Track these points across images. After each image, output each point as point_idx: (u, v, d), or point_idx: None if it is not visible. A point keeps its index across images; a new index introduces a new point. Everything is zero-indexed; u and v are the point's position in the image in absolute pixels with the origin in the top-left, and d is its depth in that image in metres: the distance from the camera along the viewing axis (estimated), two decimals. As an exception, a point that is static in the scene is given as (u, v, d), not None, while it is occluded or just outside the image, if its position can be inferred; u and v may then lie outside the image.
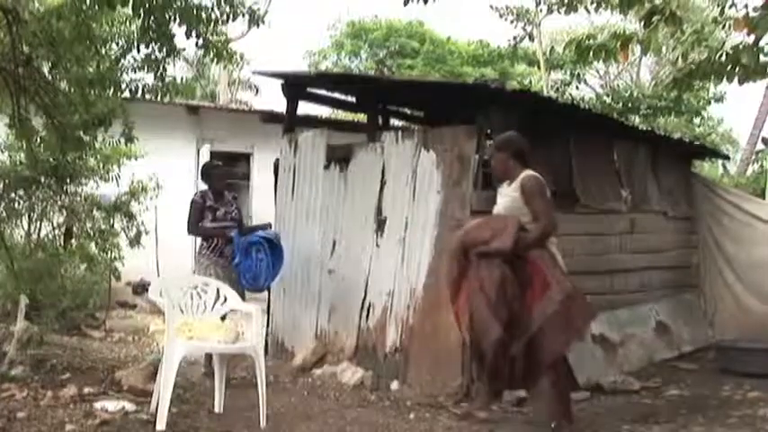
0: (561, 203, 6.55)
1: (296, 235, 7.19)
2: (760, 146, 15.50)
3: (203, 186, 6.70)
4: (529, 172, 4.88)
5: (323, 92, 7.88)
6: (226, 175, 6.89)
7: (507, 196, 4.93)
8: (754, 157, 17.14)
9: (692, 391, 5.95)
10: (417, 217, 6.23)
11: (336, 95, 7.91)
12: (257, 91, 24.72)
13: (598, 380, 6.08)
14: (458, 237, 5.04)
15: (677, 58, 21.94)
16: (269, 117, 11.22)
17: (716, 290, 8.00)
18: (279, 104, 11.77)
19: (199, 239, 6.82)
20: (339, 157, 6.93)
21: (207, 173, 6.66)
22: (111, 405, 4.87)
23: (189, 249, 11.04)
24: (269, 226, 6.93)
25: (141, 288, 10.25)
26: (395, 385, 6.04)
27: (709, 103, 17.55)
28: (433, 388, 5.79)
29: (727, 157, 10.65)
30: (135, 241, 8.43)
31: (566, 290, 4.76)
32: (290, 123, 7.60)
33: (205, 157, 11.26)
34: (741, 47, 10.86)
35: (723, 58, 10.93)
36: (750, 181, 14.00)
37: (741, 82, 11.22)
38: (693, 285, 8.26)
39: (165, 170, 9.12)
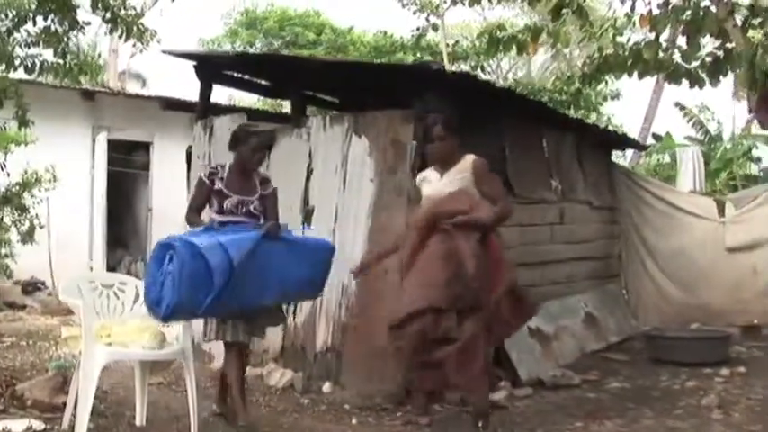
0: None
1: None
2: (651, 140, 16.03)
3: (221, 160, 5.12)
4: (473, 155, 4.68)
5: (238, 75, 7.37)
6: (261, 147, 4.88)
7: (456, 180, 4.59)
8: (644, 152, 17.78)
9: (633, 383, 5.84)
10: (349, 207, 5.86)
11: (255, 80, 7.42)
12: (144, 83, 23.64)
13: (538, 375, 5.89)
14: (428, 207, 4.64)
15: (578, 53, 22.45)
16: (170, 104, 10.60)
17: (638, 279, 8.01)
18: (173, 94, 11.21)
19: None
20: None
21: (237, 138, 4.79)
22: (17, 425, 4.25)
23: (85, 246, 10.31)
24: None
25: (32, 287, 9.43)
26: (327, 387, 5.63)
27: (606, 99, 17.93)
28: (370, 389, 5.43)
29: (645, 148, 10.77)
30: (28, 237, 7.66)
31: (513, 280, 4.54)
32: (204, 108, 7.05)
33: (101, 146, 10.48)
34: (643, 43, 11.20)
35: (627, 53, 11.28)
36: (647, 173, 14.38)
37: (641, 76, 11.44)
38: (616, 275, 8.26)
39: (57, 159, 8.31)
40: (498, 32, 11.82)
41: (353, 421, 4.89)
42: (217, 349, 6.31)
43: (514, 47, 11.55)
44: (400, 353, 4.51)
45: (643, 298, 7.95)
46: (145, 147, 11.49)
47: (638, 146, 9.86)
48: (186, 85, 8.98)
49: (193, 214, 4.68)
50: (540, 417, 4.95)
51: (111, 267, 10.65)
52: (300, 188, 6.12)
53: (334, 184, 5.96)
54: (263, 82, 7.57)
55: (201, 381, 5.84)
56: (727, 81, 13.34)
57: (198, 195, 4.75)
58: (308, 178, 6.13)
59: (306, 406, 5.27)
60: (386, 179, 5.67)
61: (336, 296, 5.79)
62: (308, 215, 6.06)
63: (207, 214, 4.75)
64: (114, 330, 4.24)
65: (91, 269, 9.97)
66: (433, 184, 4.69)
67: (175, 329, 4.45)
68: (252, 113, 7.71)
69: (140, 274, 10.15)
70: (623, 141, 8.94)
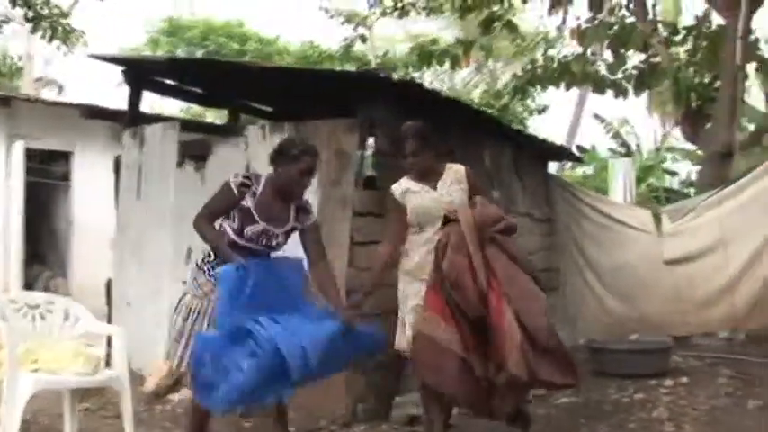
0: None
1: (143, 242, 6.31)
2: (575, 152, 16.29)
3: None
4: (459, 165, 4.52)
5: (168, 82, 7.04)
6: (312, 169, 4.08)
7: (453, 191, 4.36)
8: (570, 164, 18.08)
9: (582, 397, 5.74)
10: (290, 220, 5.61)
11: (187, 87, 7.09)
12: (61, 90, 22.75)
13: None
14: (469, 215, 4.14)
15: (500, 66, 22.69)
16: (92, 112, 10.13)
17: (578, 292, 7.98)
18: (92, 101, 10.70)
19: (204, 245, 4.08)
20: (194, 154, 6.15)
21: (285, 153, 3.99)
22: (-69, 459, 3.86)
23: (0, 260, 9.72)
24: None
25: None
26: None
27: (532, 113, 18.16)
28: (318, 410, 5.19)
29: (580, 160, 10.84)
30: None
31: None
32: (134, 115, 6.69)
33: (17, 155, 9.89)
34: (572, 56, 11.36)
35: (556, 66, 11.43)
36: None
37: (568, 87, 11.73)
38: (555, 288, 8.22)
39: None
40: (431, 46, 11.89)
41: (300, 445, 4.64)
42: (149, 369, 5.98)
43: (447, 60, 11.72)
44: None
45: (582, 310, 7.93)
46: (64, 156, 10.92)
47: (574, 157, 9.92)
48: (106, 93, 8.59)
49: (206, 222, 3.91)
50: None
51: (28, 284, 10.05)
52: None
53: (274, 196, 5.70)
54: (196, 89, 7.25)
55: (134, 405, 5.52)
56: (644, 96, 13.81)
57: (219, 203, 3.96)
58: (246, 190, 5.85)
59: (250, 430, 4.99)
60: (329, 191, 5.45)
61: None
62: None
63: (222, 226, 3.99)
64: (42, 355, 3.89)
65: (7, 287, 9.38)
66: (424, 194, 4.38)
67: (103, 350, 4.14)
68: (185, 124, 7.37)
69: (59, 291, 9.64)
70: (560, 153, 8.94)
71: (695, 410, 5.37)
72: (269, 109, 7.94)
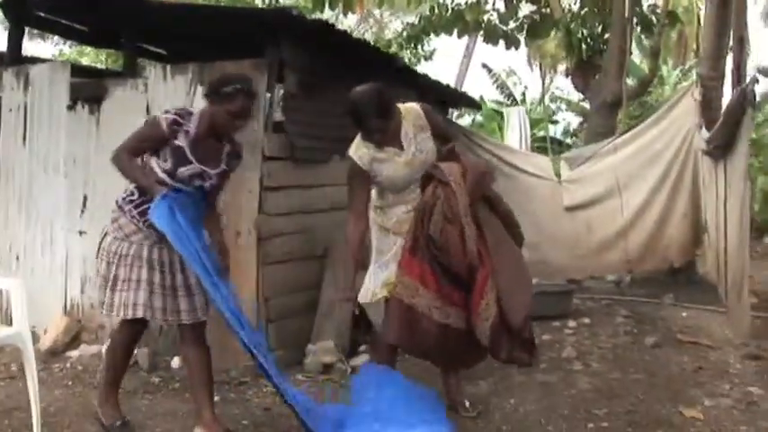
0: (345, 152, 6.07)
1: (32, 190, 5.88)
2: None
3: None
4: (412, 104, 4.12)
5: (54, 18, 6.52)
6: (248, 111, 3.79)
7: (422, 142, 3.98)
8: (458, 112, 18.29)
9: (491, 340, 5.85)
10: (195, 166, 5.36)
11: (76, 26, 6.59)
12: None
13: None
14: (458, 175, 3.77)
15: (387, 16, 22.49)
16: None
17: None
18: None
19: (126, 183, 3.77)
20: (88, 96, 5.73)
21: (217, 92, 3.69)
22: None
23: None
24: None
25: None
26: (176, 363, 5.14)
27: (420, 61, 18.15)
28: (224, 362, 5.02)
29: (478, 106, 10.89)
30: None
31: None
32: (16, 53, 6.17)
33: None
34: (465, 4, 11.38)
35: (449, 14, 11.42)
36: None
37: (460, 35, 11.77)
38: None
39: None
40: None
41: (215, 398, 4.48)
42: (44, 326, 5.63)
43: (341, 4, 11.48)
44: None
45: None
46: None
47: (473, 104, 9.97)
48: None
49: (129, 157, 3.62)
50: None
51: None
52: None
53: (176, 141, 5.42)
54: (85, 28, 6.75)
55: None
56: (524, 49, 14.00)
57: (145, 139, 3.65)
58: (145, 134, 5.53)
59: (158, 385, 4.79)
60: (237, 135, 5.21)
61: (183, 263, 5.31)
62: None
63: (150, 164, 3.67)
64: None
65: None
66: (394, 160, 3.96)
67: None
68: (76, 69, 6.86)
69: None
70: (460, 99, 8.93)
71: (600, 349, 5.60)
72: (165, 53, 7.53)
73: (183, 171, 3.63)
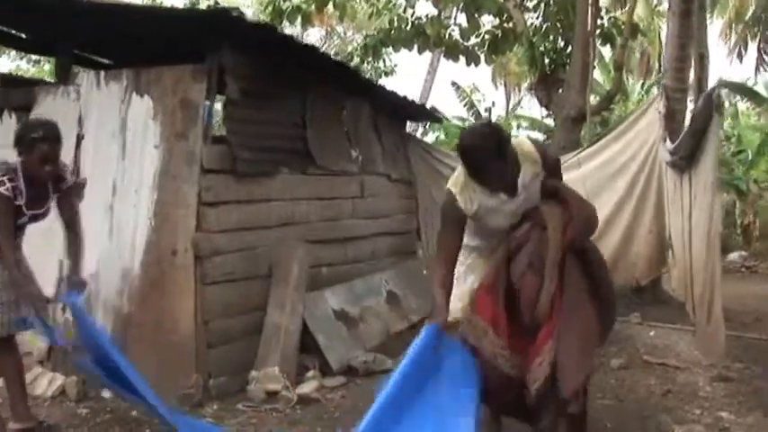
0: (295, 164, 5.76)
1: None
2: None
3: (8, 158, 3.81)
4: (523, 143, 3.48)
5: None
6: (53, 155, 3.81)
7: (532, 190, 3.40)
8: (422, 130, 18.10)
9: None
10: (129, 178, 5.00)
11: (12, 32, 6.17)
12: None
13: (349, 361, 5.40)
14: (558, 227, 3.28)
15: (351, 33, 22.33)
16: None
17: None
18: None
19: None
20: (17, 105, 5.39)
21: (21, 142, 3.76)
22: None
23: None
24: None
25: None
26: (107, 392, 4.75)
27: (381, 76, 17.96)
28: (161, 389, 4.63)
29: (439, 120, 10.62)
30: None
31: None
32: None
33: None
34: (426, 18, 11.15)
35: (410, 27, 11.19)
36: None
37: (421, 51, 11.52)
38: (413, 251, 7.98)
39: None
40: (283, 2, 11.29)
41: None
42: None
43: (299, 18, 11.19)
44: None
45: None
46: None
47: (434, 117, 9.70)
48: None
49: (7, 241, 3.77)
50: (359, 409, 4.41)
51: None
52: (68, 157, 5.09)
53: (111, 152, 5.06)
54: (22, 35, 6.32)
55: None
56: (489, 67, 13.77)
57: (6, 213, 3.75)
58: (77, 146, 5.16)
59: (85, 417, 4.39)
60: (174, 145, 4.88)
61: (117, 283, 4.93)
62: (78, 189, 5.07)
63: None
64: None
65: None
66: (502, 209, 3.41)
67: None
68: (7, 79, 6.46)
69: None
70: (419, 113, 8.64)
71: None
72: (108, 62, 7.13)
73: (20, 222, 3.85)
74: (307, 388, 4.98)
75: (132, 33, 5.34)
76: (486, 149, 3.19)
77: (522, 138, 3.51)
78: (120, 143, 5.02)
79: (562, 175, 3.63)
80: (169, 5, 12.13)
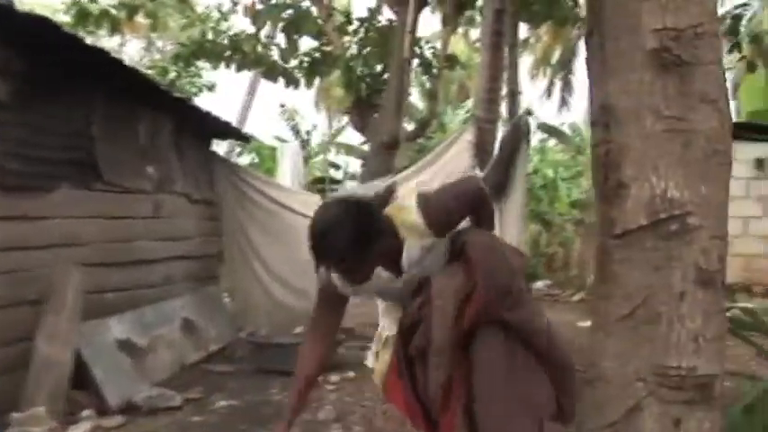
0: (77, 178, 5.20)
1: None
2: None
3: None
4: (412, 216, 2.57)
5: None
6: None
7: (431, 257, 2.60)
8: (236, 153, 17.71)
9: (242, 400, 5.10)
10: None
11: None
12: None
13: (131, 397, 4.87)
14: (499, 291, 2.44)
15: (171, 48, 21.57)
16: None
17: (245, 282, 7.34)
18: None
19: None
20: None
21: None
22: None
23: None
24: None
25: None
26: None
27: (201, 90, 17.41)
28: None
29: (246, 139, 10.21)
30: None
31: None
32: None
33: None
34: (243, 35, 10.80)
35: (226, 41, 10.79)
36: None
37: (239, 69, 11.14)
38: (215, 277, 7.52)
39: None
40: (90, 5, 10.51)
41: None
42: None
43: (107, 24, 10.46)
44: None
45: (251, 303, 7.31)
46: None
47: (241, 137, 9.30)
48: None
49: None
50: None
51: None
52: None
53: None
54: None
55: None
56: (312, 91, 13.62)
57: None
58: None
59: None
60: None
61: None
62: None
63: None
64: None
65: None
66: (390, 286, 2.64)
67: None
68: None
69: None
70: (225, 131, 8.20)
71: (363, 407, 5.03)
72: None
73: None
74: (79, 430, 4.41)
75: None
76: (338, 239, 2.43)
77: (408, 206, 2.57)
78: None
79: (492, 210, 2.81)
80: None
